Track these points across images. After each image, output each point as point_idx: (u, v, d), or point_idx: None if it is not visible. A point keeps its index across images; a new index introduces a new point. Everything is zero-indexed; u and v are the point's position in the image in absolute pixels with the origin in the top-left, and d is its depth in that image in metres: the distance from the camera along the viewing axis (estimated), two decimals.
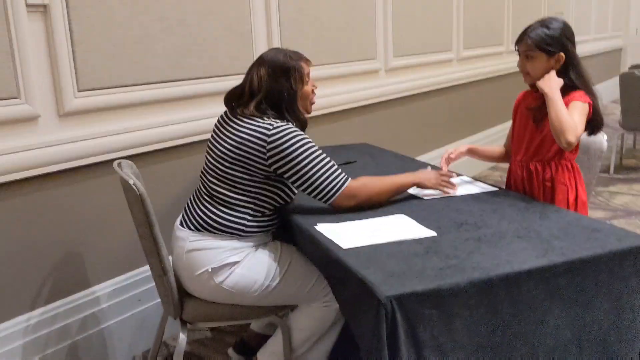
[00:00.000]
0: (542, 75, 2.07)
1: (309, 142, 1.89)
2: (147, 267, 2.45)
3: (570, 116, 1.91)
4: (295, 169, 1.86)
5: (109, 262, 2.35)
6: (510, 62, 5.46)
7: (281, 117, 1.93)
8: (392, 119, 3.94)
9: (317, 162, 1.87)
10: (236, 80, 2.74)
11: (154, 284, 2.45)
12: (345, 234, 1.68)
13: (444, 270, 1.43)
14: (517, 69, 2.16)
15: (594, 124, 2.06)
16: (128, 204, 1.92)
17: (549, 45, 2.02)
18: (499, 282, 1.40)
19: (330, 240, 1.64)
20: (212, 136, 2.04)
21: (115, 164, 1.95)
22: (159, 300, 2.47)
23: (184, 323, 1.97)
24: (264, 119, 1.89)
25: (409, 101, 4.08)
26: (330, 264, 1.60)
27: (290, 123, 1.91)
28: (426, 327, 1.35)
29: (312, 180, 1.87)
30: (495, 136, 5.40)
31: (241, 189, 1.90)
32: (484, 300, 1.40)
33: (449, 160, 2.29)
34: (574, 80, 2.04)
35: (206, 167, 2.00)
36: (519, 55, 2.12)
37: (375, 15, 3.66)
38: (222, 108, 2.68)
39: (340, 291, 1.62)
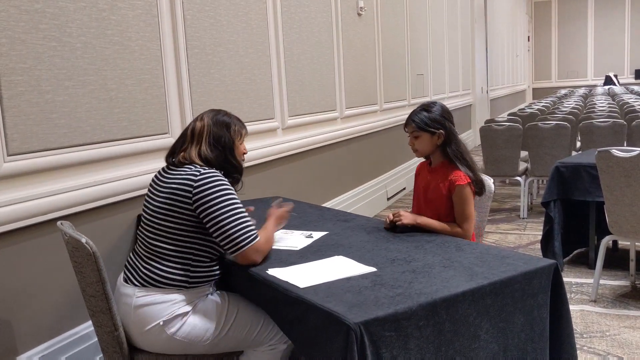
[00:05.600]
0: (429, 151, 2.46)
1: (232, 192, 2.01)
2: (71, 331, 2.43)
3: (456, 214, 2.36)
4: (214, 215, 1.95)
5: (36, 328, 2.29)
6: (383, 119, 5.99)
7: (216, 165, 2.06)
8: (291, 173, 4.18)
9: (235, 212, 1.97)
10: (153, 141, 2.86)
11: (80, 348, 2.44)
12: (298, 276, 1.84)
13: (394, 298, 1.64)
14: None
15: (478, 190, 2.45)
16: (74, 264, 1.94)
17: (430, 126, 2.40)
18: (441, 304, 1.64)
19: (287, 282, 1.80)
20: (147, 193, 2.13)
21: (58, 223, 1.97)
22: None
23: None
24: (192, 167, 2.02)
25: (304, 156, 4.36)
26: (289, 304, 1.76)
27: (218, 171, 2.04)
28: (387, 348, 1.55)
29: (227, 228, 1.95)
30: (377, 187, 5.83)
31: (178, 240, 1.99)
32: (431, 321, 1.62)
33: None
34: (455, 151, 2.41)
35: (143, 224, 2.08)
36: (408, 135, 2.49)
37: (272, 80, 3.93)
38: (143, 167, 2.77)
39: (297, 328, 1.78)
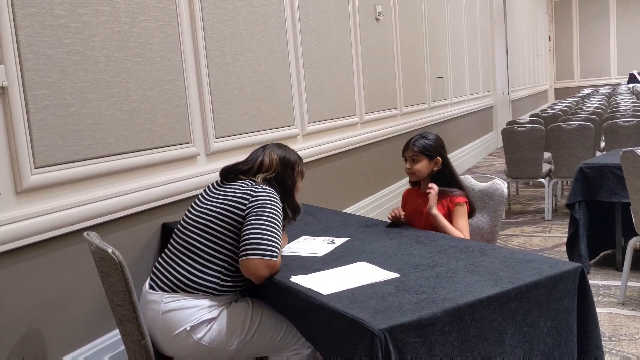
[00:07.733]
0: (425, 175, 2.62)
1: (279, 212, 2.07)
2: (99, 340, 2.47)
3: (454, 227, 2.48)
4: (251, 219, 2.01)
5: (67, 336, 2.33)
6: (403, 123, 5.97)
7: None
8: (312, 179, 4.19)
9: (269, 226, 2.00)
10: (175, 151, 2.89)
11: (121, 349, 2.47)
12: (321, 283, 1.85)
13: (418, 304, 1.64)
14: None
15: (471, 210, 2.59)
16: (101, 274, 1.97)
17: (429, 151, 2.58)
18: (465, 309, 1.63)
19: (310, 289, 1.81)
20: (195, 200, 2.20)
21: (85, 234, 2.00)
22: None
23: None
24: (251, 183, 2.12)
25: (324, 162, 4.37)
26: (313, 311, 1.76)
27: (275, 191, 2.13)
28: (412, 354, 1.54)
29: (252, 232, 1.97)
30: (398, 191, 5.81)
31: (218, 245, 2.03)
32: (455, 326, 1.62)
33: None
34: (449, 177, 2.59)
35: (186, 224, 2.13)
36: (406, 160, 2.64)
37: (291, 87, 3.96)
38: (166, 177, 2.81)
39: (321, 335, 1.78)
